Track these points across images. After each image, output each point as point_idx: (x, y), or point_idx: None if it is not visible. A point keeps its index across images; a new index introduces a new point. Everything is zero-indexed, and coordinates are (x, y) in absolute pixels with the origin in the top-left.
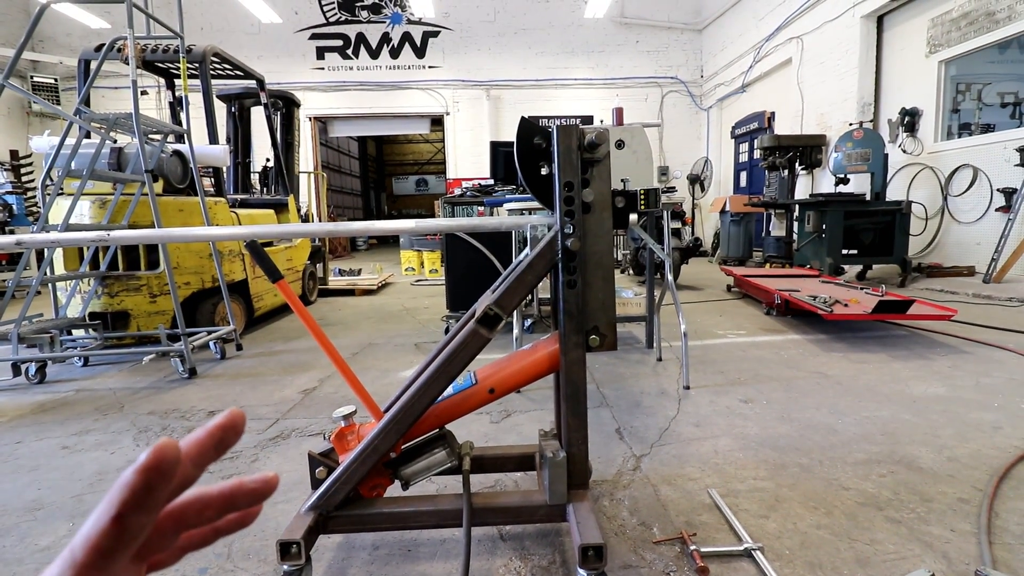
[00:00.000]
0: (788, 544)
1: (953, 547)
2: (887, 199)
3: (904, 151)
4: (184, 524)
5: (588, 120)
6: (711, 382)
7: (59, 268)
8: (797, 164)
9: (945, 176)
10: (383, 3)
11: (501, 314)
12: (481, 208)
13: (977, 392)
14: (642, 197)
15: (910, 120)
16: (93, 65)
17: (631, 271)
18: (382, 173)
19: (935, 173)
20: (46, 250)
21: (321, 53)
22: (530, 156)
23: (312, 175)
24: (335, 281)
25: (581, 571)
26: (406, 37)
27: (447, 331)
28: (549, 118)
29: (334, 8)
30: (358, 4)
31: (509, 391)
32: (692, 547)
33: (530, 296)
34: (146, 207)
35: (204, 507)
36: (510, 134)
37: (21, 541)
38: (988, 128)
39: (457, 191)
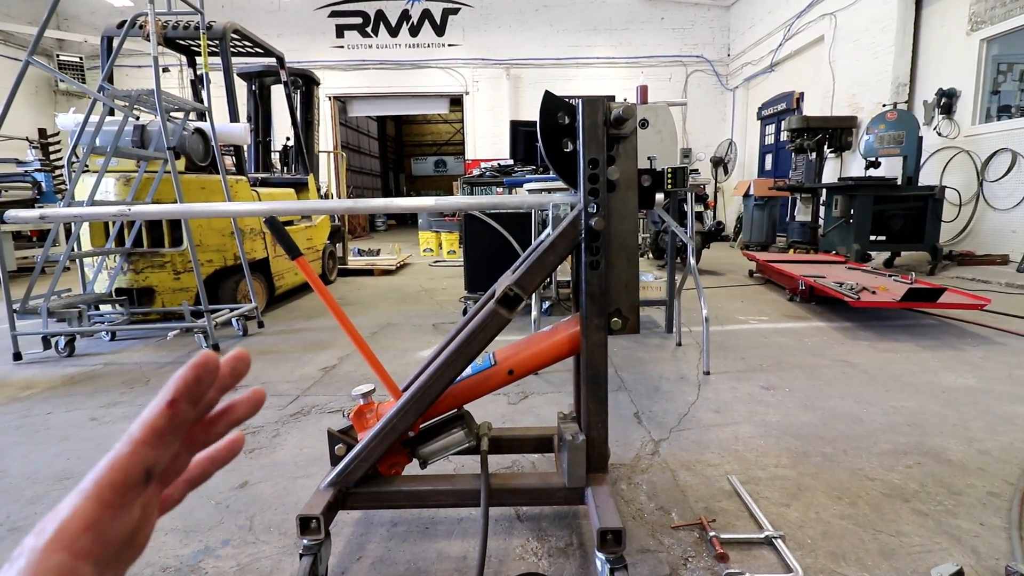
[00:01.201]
0: (810, 533)
1: (982, 541)
2: (919, 184)
3: (939, 134)
4: (196, 442)
5: (610, 100)
6: (732, 368)
7: (86, 245)
8: (826, 147)
9: (982, 160)
10: None
11: (522, 294)
12: (500, 189)
13: (1010, 384)
14: (669, 176)
15: (947, 102)
16: (116, 42)
17: (651, 255)
18: (401, 154)
19: (971, 157)
20: (73, 226)
21: (340, 31)
22: (553, 132)
23: (332, 155)
24: (354, 261)
25: (599, 554)
26: (425, 14)
27: (465, 312)
28: (570, 98)
29: None
30: None
31: (528, 373)
32: (711, 533)
33: (548, 278)
34: (169, 185)
35: (209, 424)
36: (530, 114)
37: (51, 508)
38: None
39: (476, 171)
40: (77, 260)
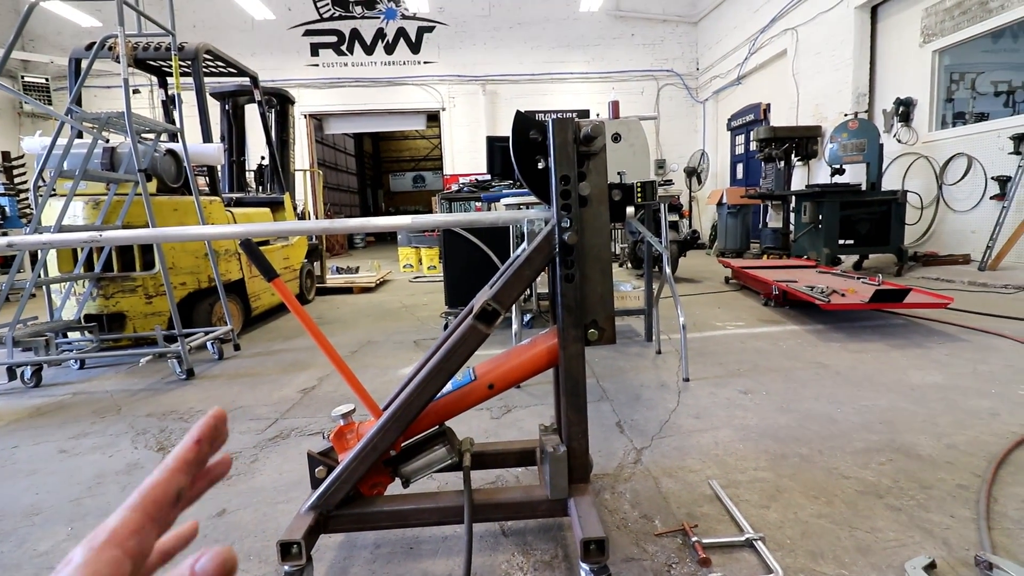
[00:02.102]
0: (789, 534)
1: (953, 533)
2: (883, 189)
3: (899, 141)
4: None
5: (585, 114)
6: (710, 374)
7: (53, 270)
8: (793, 155)
9: (940, 165)
10: None
11: (499, 309)
12: (478, 204)
13: (974, 379)
14: (639, 190)
15: (905, 110)
16: (84, 64)
17: (629, 264)
18: (379, 170)
19: (930, 162)
20: (39, 252)
21: (315, 50)
22: (526, 150)
23: (308, 173)
24: (333, 279)
25: (583, 565)
26: (401, 32)
27: (446, 327)
28: (546, 112)
29: (327, 4)
30: None
31: (509, 386)
32: (694, 539)
33: (528, 291)
34: (140, 207)
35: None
36: (506, 129)
37: (19, 546)
38: (982, 117)
39: (454, 187)
40: (44, 286)
